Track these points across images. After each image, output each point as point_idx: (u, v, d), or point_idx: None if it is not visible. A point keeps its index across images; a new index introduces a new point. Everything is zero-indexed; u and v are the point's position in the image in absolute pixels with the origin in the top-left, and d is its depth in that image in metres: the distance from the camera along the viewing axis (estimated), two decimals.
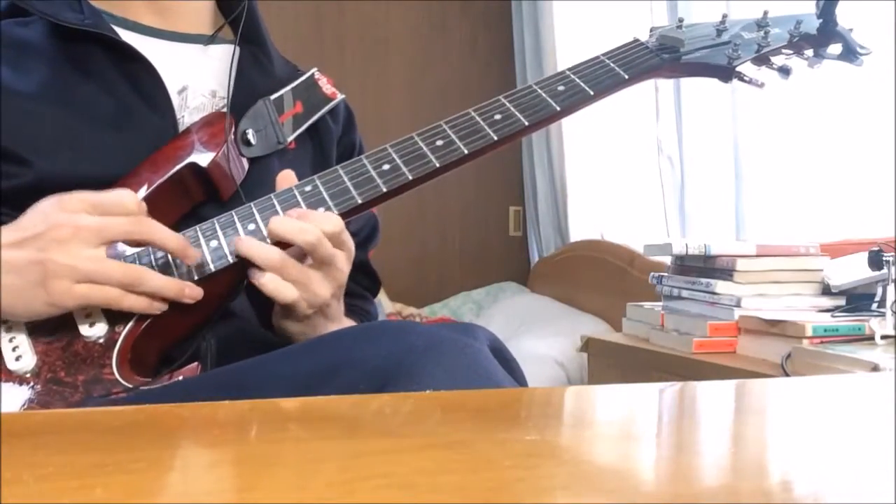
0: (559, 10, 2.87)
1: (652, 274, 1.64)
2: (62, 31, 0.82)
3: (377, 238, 1.01)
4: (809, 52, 0.92)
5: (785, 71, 0.92)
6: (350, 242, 0.77)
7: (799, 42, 0.91)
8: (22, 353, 0.70)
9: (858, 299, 1.36)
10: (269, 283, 0.73)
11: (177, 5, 0.90)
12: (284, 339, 0.80)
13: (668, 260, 1.62)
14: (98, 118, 0.80)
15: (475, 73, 3.33)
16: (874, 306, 1.31)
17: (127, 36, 0.86)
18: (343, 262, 0.76)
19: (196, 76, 0.88)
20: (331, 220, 0.74)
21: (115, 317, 0.72)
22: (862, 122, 1.82)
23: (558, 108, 0.83)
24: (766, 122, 2.06)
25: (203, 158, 0.80)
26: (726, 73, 0.91)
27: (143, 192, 0.78)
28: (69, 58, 0.82)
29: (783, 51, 0.92)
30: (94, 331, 0.71)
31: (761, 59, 0.91)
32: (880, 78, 1.69)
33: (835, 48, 0.92)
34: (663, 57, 0.88)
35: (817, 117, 1.92)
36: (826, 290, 1.39)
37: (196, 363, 0.72)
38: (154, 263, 0.74)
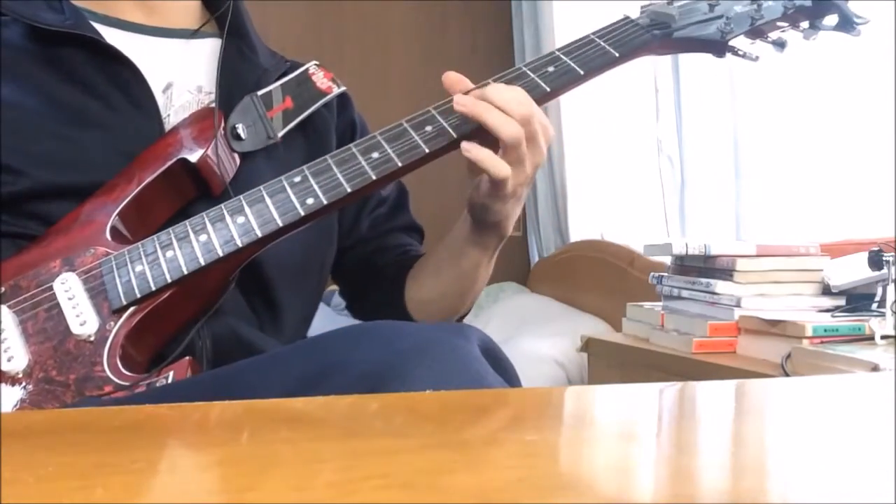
0: (559, 10, 2.87)
1: (652, 274, 1.64)
2: (42, 33, 0.82)
3: (407, 194, 1.03)
4: (805, 24, 0.90)
5: (780, 44, 0.91)
6: (543, 118, 0.80)
7: (793, 14, 0.89)
8: (14, 353, 0.70)
9: (858, 299, 1.36)
10: (488, 158, 0.76)
11: (165, 3, 0.90)
12: (480, 217, 0.84)
13: (668, 260, 1.62)
14: (83, 121, 0.80)
15: (475, 73, 3.32)
16: (874, 306, 1.31)
17: (110, 33, 0.85)
18: (543, 142, 0.79)
19: (181, 72, 0.88)
20: (526, 104, 0.78)
21: (105, 314, 0.72)
22: (862, 122, 1.82)
23: (548, 89, 0.82)
24: (767, 121, 2.05)
25: (193, 154, 0.80)
26: (719, 47, 0.89)
27: (135, 189, 0.78)
28: (50, 60, 0.82)
29: (777, 23, 0.89)
30: (86, 329, 0.71)
31: (755, 33, 0.89)
32: (880, 78, 1.69)
33: (831, 19, 0.90)
34: (655, 33, 0.87)
35: (817, 117, 1.92)
36: (826, 290, 1.39)
37: (187, 359, 0.72)
38: (158, 244, 0.74)
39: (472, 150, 0.76)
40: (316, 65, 0.95)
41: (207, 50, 0.91)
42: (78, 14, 0.85)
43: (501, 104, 0.76)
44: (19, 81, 0.80)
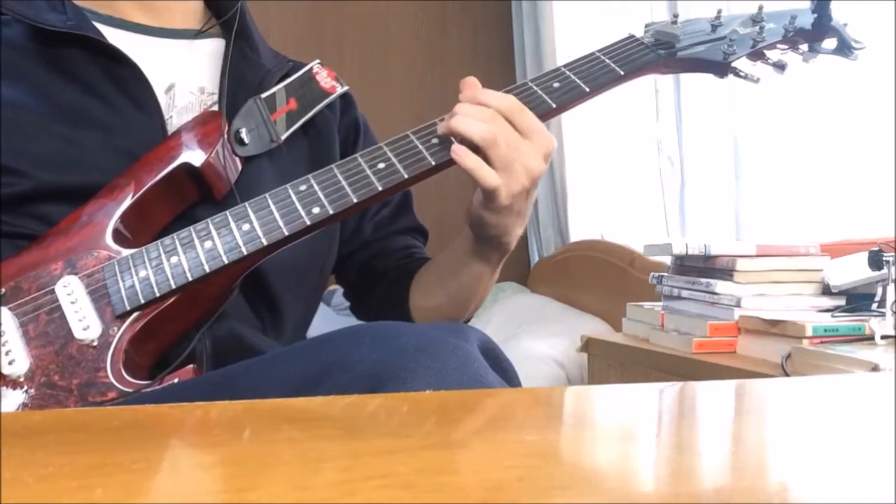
0: (559, 10, 2.87)
1: (652, 274, 1.64)
2: (44, 34, 0.81)
3: (411, 196, 1.03)
4: (804, 47, 0.92)
5: (780, 66, 0.92)
6: (536, 127, 0.78)
7: (793, 37, 0.90)
8: (15, 357, 0.69)
9: (858, 299, 1.36)
10: (477, 166, 0.75)
11: (169, 3, 0.90)
12: (479, 230, 0.83)
13: (668, 260, 1.62)
14: (85, 122, 0.80)
15: (475, 74, 3.30)
16: (874, 306, 1.31)
17: (112, 34, 0.85)
18: (532, 147, 0.77)
19: (183, 73, 0.87)
20: (506, 99, 0.78)
21: (108, 319, 0.72)
22: (862, 122, 1.82)
23: (554, 105, 0.82)
24: (767, 122, 2.05)
25: (196, 158, 0.80)
26: (722, 68, 0.90)
27: (137, 192, 0.78)
28: (52, 60, 0.81)
29: (778, 46, 0.91)
30: (89, 333, 0.71)
31: (756, 55, 0.91)
32: (880, 78, 1.69)
33: (829, 43, 0.92)
34: (659, 53, 0.87)
35: (817, 117, 1.92)
36: (826, 290, 1.39)
37: (191, 366, 0.72)
38: (162, 249, 0.74)
39: (462, 156, 0.76)
40: (319, 63, 0.94)
41: (210, 51, 0.91)
42: (80, 14, 0.84)
43: (475, 111, 0.77)
44: (20, 82, 0.80)
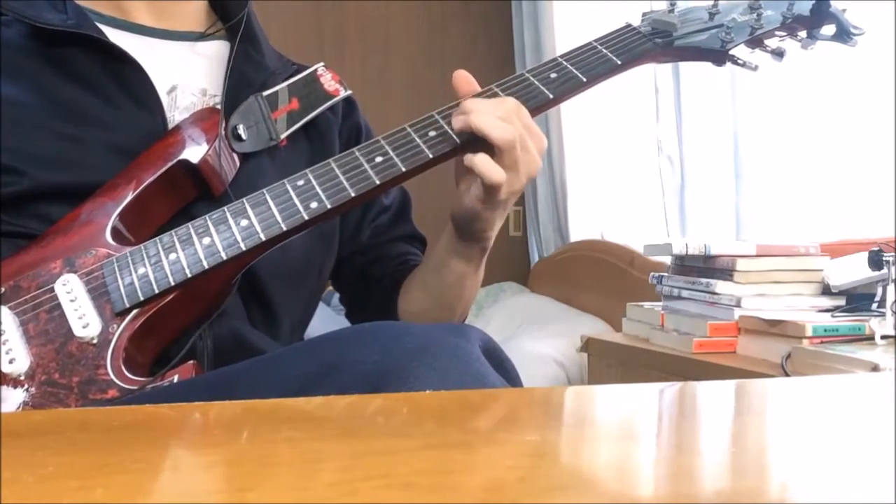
0: (559, 10, 2.87)
1: (652, 274, 1.64)
2: (44, 33, 0.81)
3: (410, 203, 1.03)
4: (803, 34, 0.91)
5: (778, 54, 0.91)
6: (535, 128, 0.79)
7: (792, 24, 0.90)
8: (15, 355, 0.69)
9: (858, 299, 1.36)
10: (483, 162, 0.75)
11: (175, 5, 0.90)
12: (467, 225, 0.83)
13: (668, 260, 1.62)
14: (85, 120, 0.79)
15: (475, 73, 3.31)
16: (874, 306, 1.31)
17: (114, 35, 0.85)
18: (535, 150, 0.78)
19: (185, 75, 0.87)
20: (510, 100, 0.78)
21: (108, 316, 0.72)
22: (862, 122, 1.82)
23: (551, 96, 0.82)
24: (767, 121, 2.06)
25: (194, 155, 0.80)
26: (719, 56, 0.90)
27: (135, 190, 0.78)
28: (53, 60, 0.81)
29: (776, 33, 0.90)
30: (88, 331, 0.71)
31: (755, 42, 0.90)
32: (880, 78, 1.69)
33: (828, 29, 0.91)
34: (656, 41, 0.87)
35: (817, 117, 1.92)
36: (826, 290, 1.39)
37: (191, 362, 0.72)
38: (161, 246, 0.74)
39: (472, 158, 0.76)
40: (324, 66, 0.94)
41: (212, 52, 0.91)
42: (81, 14, 0.84)
43: (493, 109, 0.77)
44: (20, 81, 0.80)
